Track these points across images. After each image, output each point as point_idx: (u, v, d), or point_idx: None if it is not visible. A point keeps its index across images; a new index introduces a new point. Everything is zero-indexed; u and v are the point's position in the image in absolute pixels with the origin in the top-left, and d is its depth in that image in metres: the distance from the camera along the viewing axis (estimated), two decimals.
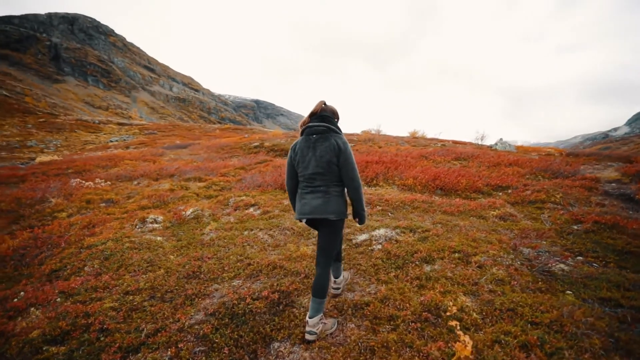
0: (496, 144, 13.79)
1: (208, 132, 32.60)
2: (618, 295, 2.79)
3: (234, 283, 3.03)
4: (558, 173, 7.49)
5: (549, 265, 3.43)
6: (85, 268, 3.52)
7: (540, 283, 3.09)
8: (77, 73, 73.84)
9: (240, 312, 2.50)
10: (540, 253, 3.84)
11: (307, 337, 2.23)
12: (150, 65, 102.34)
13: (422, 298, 2.54)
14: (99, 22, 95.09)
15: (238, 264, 3.41)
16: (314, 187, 2.28)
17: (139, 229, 4.96)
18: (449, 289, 2.73)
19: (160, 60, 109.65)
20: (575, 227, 4.58)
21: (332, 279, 2.79)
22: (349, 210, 2.57)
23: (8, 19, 74.73)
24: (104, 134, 33.07)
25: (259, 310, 2.52)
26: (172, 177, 10.92)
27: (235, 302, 2.60)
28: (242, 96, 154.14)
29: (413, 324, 2.29)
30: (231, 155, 17.06)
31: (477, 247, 3.58)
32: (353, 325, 2.34)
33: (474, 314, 2.43)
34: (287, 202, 6.10)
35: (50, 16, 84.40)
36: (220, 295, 2.78)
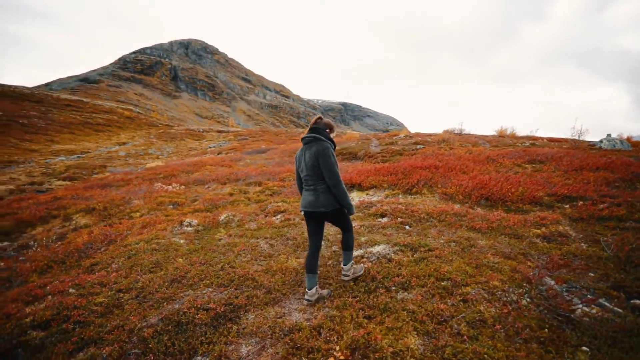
0: (601, 141, 11.14)
1: (293, 136, 34.54)
2: None
3: (204, 291, 3.22)
4: None
5: (569, 307, 2.66)
6: (113, 264, 4.20)
7: (545, 331, 2.44)
8: (189, 89, 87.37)
9: (185, 320, 2.66)
10: (573, 289, 3.01)
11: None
12: (247, 77, 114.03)
13: (355, 332, 2.28)
14: (206, 44, 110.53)
15: (220, 272, 3.60)
16: (308, 186, 2.88)
17: (176, 231, 5.64)
18: (400, 325, 2.37)
19: (256, 72, 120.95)
20: None
21: (342, 266, 3.20)
22: None
23: (142, 50, 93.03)
24: (206, 140, 38.22)
25: (201, 322, 2.63)
26: (237, 181, 11.93)
27: (186, 310, 2.77)
28: (329, 100, 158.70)
29: None
30: None
31: (474, 276, 3.01)
32: (271, 351, 2.26)
33: None
34: None
35: (171, 44, 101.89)
36: (182, 302, 2.99)
